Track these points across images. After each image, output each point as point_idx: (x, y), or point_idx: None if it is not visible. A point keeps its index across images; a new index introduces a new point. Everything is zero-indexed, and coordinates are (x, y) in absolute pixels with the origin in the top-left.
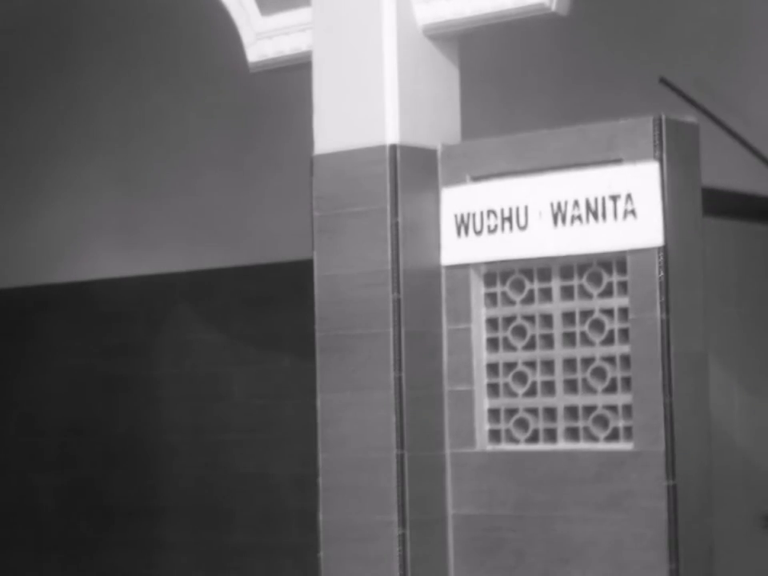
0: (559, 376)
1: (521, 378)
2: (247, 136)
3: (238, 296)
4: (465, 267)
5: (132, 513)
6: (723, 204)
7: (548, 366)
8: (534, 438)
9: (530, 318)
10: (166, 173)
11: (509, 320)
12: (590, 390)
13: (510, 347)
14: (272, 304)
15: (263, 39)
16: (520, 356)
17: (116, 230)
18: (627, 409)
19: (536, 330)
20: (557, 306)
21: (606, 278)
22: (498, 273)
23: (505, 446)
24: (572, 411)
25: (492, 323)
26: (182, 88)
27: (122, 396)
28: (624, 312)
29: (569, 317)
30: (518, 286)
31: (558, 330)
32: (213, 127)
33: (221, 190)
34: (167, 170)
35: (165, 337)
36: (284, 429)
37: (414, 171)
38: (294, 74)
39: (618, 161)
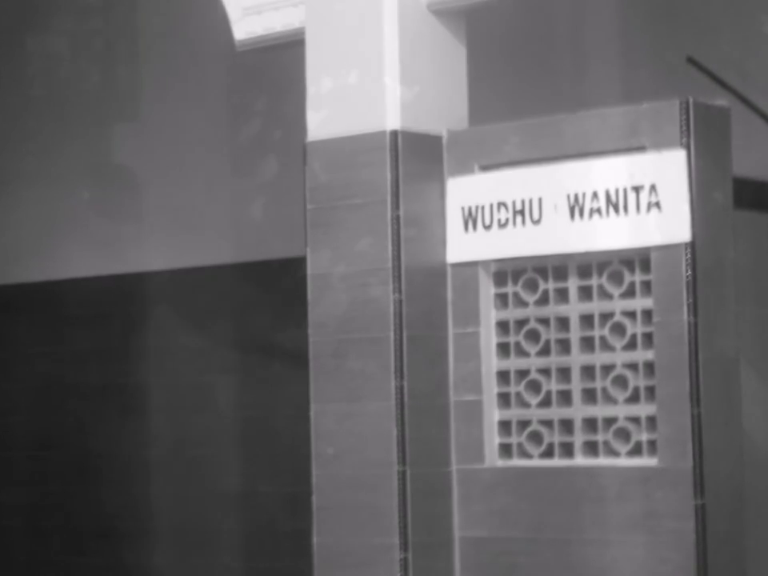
0: (576, 385)
1: (534, 386)
2: (234, 121)
3: (224, 297)
4: (473, 265)
5: (106, 534)
6: (756, 195)
7: (564, 373)
8: (548, 453)
9: (545, 321)
10: (145, 162)
11: (521, 323)
12: (610, 400)
13: (522, 353)
14: (261, 306)
15: (251, 14)
16: (533, 363)
17: (89, 224)
18: (651, 421)
19: (551, 335)
20: (574, 308)
21: (627, 277)
22: (509, 271)
23: (517, 462)
24: (591, 423)
25: (503, 327)
26: (163, 68)
27: (95, 407)
28: (648, 314)
29: (587, 320)
30: (532, 286)
31: (575, 334)
32: (196, 111)
33: (205, 181)
34: (145, 159)
35: (143, 342)
36: (274, 443)
37: (416, 160)
38: (286, 52)
39: (641, 148)
